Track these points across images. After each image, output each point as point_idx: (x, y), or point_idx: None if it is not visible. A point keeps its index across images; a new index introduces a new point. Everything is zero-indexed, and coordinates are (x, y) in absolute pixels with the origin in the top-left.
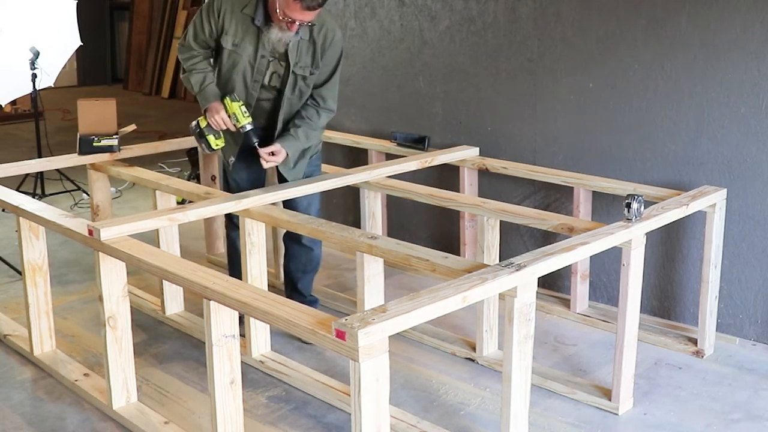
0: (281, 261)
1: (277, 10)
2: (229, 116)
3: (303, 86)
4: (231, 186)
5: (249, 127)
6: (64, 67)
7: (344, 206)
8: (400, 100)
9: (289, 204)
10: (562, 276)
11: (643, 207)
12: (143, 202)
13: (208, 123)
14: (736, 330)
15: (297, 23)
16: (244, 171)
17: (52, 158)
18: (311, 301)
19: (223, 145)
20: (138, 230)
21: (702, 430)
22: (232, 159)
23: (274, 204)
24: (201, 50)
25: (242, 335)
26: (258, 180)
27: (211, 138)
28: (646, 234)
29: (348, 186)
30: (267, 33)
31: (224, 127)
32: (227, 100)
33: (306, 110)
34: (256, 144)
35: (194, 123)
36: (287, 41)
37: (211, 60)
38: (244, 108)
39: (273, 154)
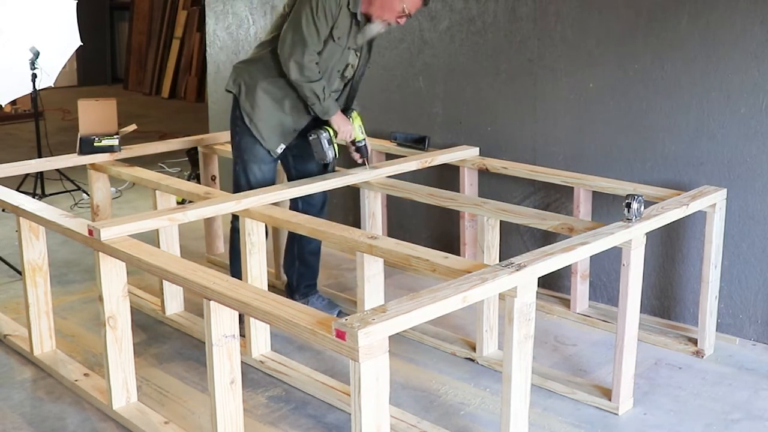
0: (281, 261)
1: (399, 4)
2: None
3: (363, 74)
4: (251, 180)
5: (364, 143)
6: (64, 67)
7: (344, 206)
8: (400, 100)
9: (305, 203)
10: (562, 276)
11: (643, 207)
12: (143, 202)
13: (335, 132)
14: (736, 330)
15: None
16: (270, 161)
17: (52, 158)
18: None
19: None
20: (138, 230)
21: (702, 430)
22: (282, 146)
23: (274, 204)
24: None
25: (242, 335)
26: (274, 172)
27: (337, 146)
28: (646, 234)
29: (348, 186)
30: (364, 28)
31: (345, 140)
32: (355, 113)
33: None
34: (366, 155)
35: (322, 132)
36: (376, 34)
37: None
38: (361, 123)
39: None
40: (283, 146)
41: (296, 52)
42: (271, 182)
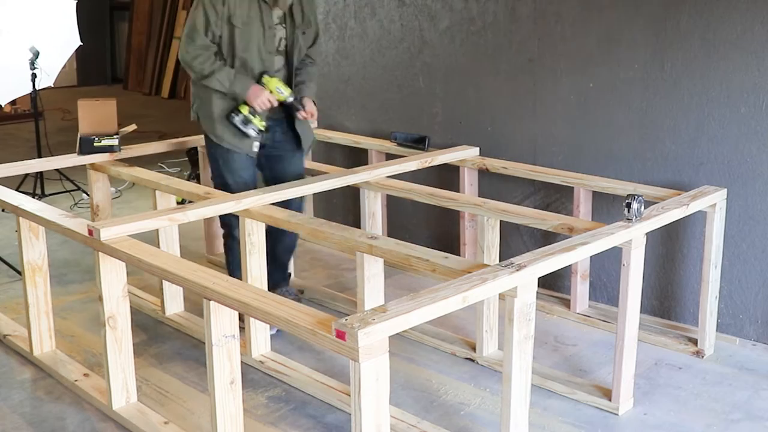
0: None
1: None
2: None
3: (302, 46)
4: (232, 182)
5: (291, 98)
6: (63, 67)
7: (344, 206)
8: (400, 100)
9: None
10: (562, 276)
11: (643, 207)
12: (143, 202)
13: (249, 108)
14: (736, 330)
15: None
16: (249, 166)
17: (52, 158)
18: (289, 275)
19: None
20: (138, 230)
21: (702, 431)
22: (256, 143)
23: (273, 204)
24: (210, 45)
25: (241, 329)
26: (254, 175)
27: (257, 120)
28: (647, 234)
29: (348, 186)
30: (272, 1)
31: (269, 106)
32: (265, 78)
33: (306, 68)
34: (302, 108)
35: (234, 113)
36: (290, 2)
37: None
38: (281, 81)
39: (311, 113)
40: (257, 143)
41: (182, 52)
42: (253, 185)
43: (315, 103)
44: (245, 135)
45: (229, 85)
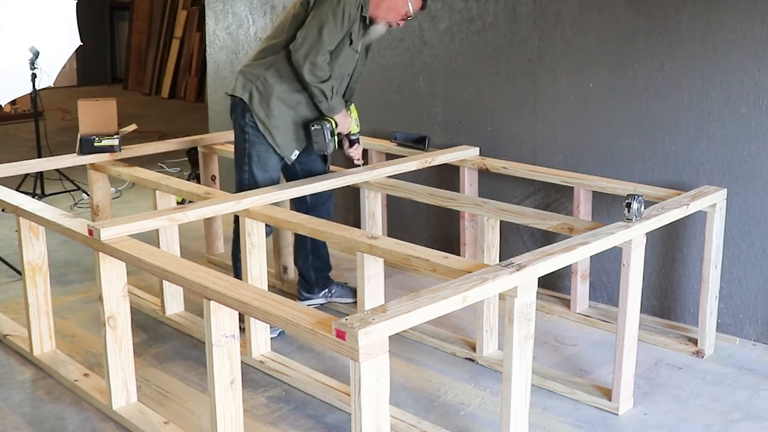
0: (281, 261)
1: (405, 6)
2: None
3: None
4: (262, 179)
5: (357, 137)
6: (63, 67)
7: (344, 206)
8: (400, 100)
9: (309, 203)
10: (562, 276)
11: (643, 207)
12: (143, 202)
13: (336, 124)
14: (736, 330)
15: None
16: (279, 168)
17: (52, 158)
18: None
19: None
20: (138, 230)
21: (702, 431)
22: (297, 152)
23: (274, 204)
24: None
25: (242, 329)
26: (279, 178)
27: (336, 140)
28: (647, 234)
29: (348, 186)
30: (371, 31)
31: (343, 132)
32: (351, 106)
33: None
34: (354, 146)
35: (325, 123)
36: (378, 36)
37: None
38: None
39: (359, 158)
40: (297, 152)
41: (312, 53)
42: (275, 180)
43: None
44: (321, 144)
45: (331, 98)
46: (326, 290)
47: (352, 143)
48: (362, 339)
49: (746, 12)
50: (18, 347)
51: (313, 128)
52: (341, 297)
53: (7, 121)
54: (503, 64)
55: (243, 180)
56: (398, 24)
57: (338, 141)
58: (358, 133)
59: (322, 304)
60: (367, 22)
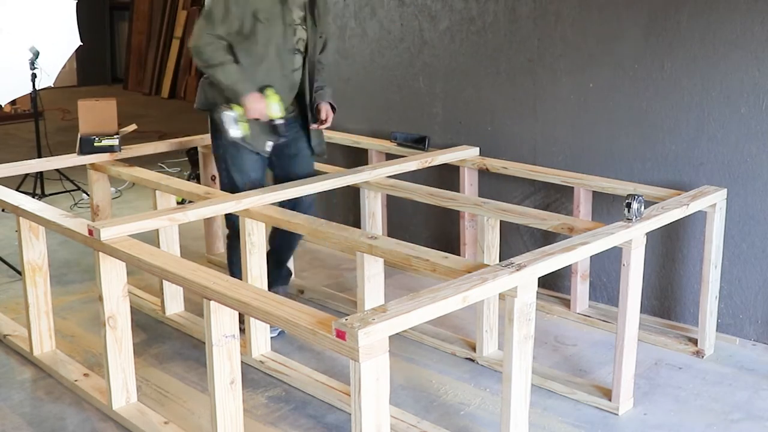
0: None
1: None
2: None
3: (319, 46)
4: (241, 182)
5: (280, 122)
6: (63, 67)
7: (344, 206)
8: (400, 100)
9: (290, 203)
10: (562, 276)
11: (643, 207)
12: (143, 202)
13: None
14: (736, 330)
15: None
16: (259, 167)
17: (52, 158)
18: (288, 273)
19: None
20: (138, 230)
21: (702, 431)
22: (270, 143)
23: (273, 204)
24: (224, 37)
25: (242, 330)
26: (264, 177)
27: (244, 125)
28: (647, 234)
29: (348, 186)
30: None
31: (258, 117)
32: (269, 91)
33: (321, 74)
34: (286, 136)
35: (228, 111)
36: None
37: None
38: (281, 102)
39: (326, 119)
40: (270, 143)
41: (195, 37)
42: (261, 183)
43: (334, 107)
44: (226, 132)
45: (233, 81)
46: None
47: (273, 130)
48: (362, 339)
49: (746, 12)
50: (18, 347)
51: (215, 114)
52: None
53: (7, 121)
54: (503, 64)
55: (224, 187)
56: None
57: (243, 126)
58: (281, 119)
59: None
60: None
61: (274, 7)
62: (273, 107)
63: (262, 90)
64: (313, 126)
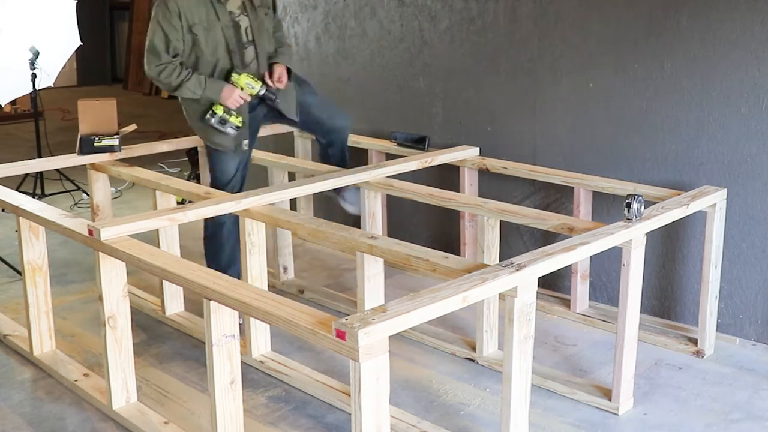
0: (281, 261)
1: None
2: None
3: (268, 28)
4: (225, 181)
5: (263, 90)
6: (63, 67)
7: None
8: (400, 100)
9: (314, 120)
10: (562, 276)
11: (643, 207)
12: (143, 202)
13: (224, 108)
14: (736, 330)
15: None
16: (236, 158)
17: (52, 158)
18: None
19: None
20: (138, 230)
21: (702, 431)
22: (245, 141)
23: (273, 204)
24: (174, 59)
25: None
26: (244, 166)
27: (234, 118)
28: (647, 234)
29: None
30: None
31: (242, 103)
32: (234, 76)
33: (282, 56)
34: (275, 93)
35: (209, 115)
36: None
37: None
38: (250, 75)
39: (279, 79)
40: (246, 141)
41: (148, 72)
42: (240, 176)
43: (290, 70)
44: (226, 134)
45: (201, 92)
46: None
47: (264, 99)
48: (362, 339)
49: (746, 12)
50: (18, 347)
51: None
52: (347, 202)
53: (7, 121)
54: (503, 64)
55: (214, 183)
56: None
57: (233, 120)
58: (262, 86)
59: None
60: None
61: (208, 13)
62: (248, 85)
63: (227, 79)
64: (269, 82)
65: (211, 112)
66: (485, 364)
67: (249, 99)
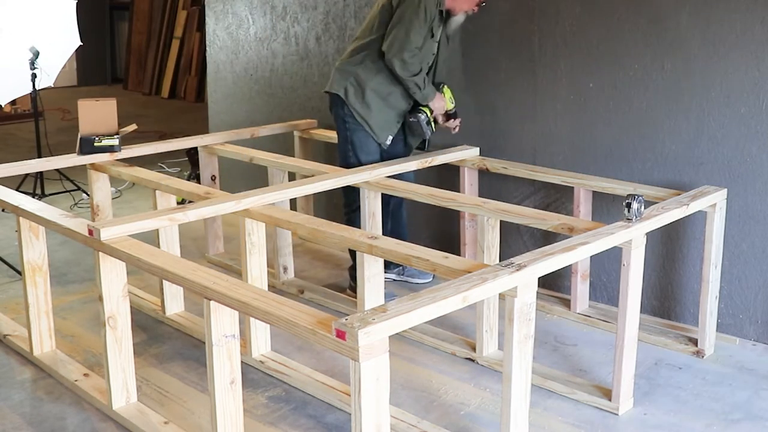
0: (281, 261)
1: None
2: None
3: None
4: (365, 160)
5: (453, 110)
6: (63, 67)
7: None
8: None
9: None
10: (563, 276)
11: (643, 207)
12: (143, 202)
13: (431, 110)
14: (736, 330)
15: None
16: (377, 151)
17: (52, 158)
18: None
19: None
20: (138, 230)
21: (702, 431)
22: (390, 137)
23: (273, 204)
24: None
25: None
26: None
27: (432, 123)
28: (647, 234)
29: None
30: (452, 22)
31: (442, 112)
32: (445, 88)
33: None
34: (451, 120)
35: (420, 114)
36: (458, 26)
37: None
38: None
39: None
40: (391, 137)
41: (402, 51)
42: (377, 161)
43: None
44: (419, 133)
45: (423, 88)
46: (400, 266)
47: (449, 117)
48: (362, 339)
49: (746, 12)
50: (18, 347)
51: (410, 120)
52: (414, 277)
53: (7, 121)
54: (503, 64)
55: (350, 165)
56: (474, 10)
57: (434, 120)
58: (453, 108)
59: (393, 280)
60: (444, 15)
61: (438, 23)
62: (451, 101)
63: (439, 88)
64: (452, 124)
65: (420, 111)
66: (485, 364)
67: (442, 112)
